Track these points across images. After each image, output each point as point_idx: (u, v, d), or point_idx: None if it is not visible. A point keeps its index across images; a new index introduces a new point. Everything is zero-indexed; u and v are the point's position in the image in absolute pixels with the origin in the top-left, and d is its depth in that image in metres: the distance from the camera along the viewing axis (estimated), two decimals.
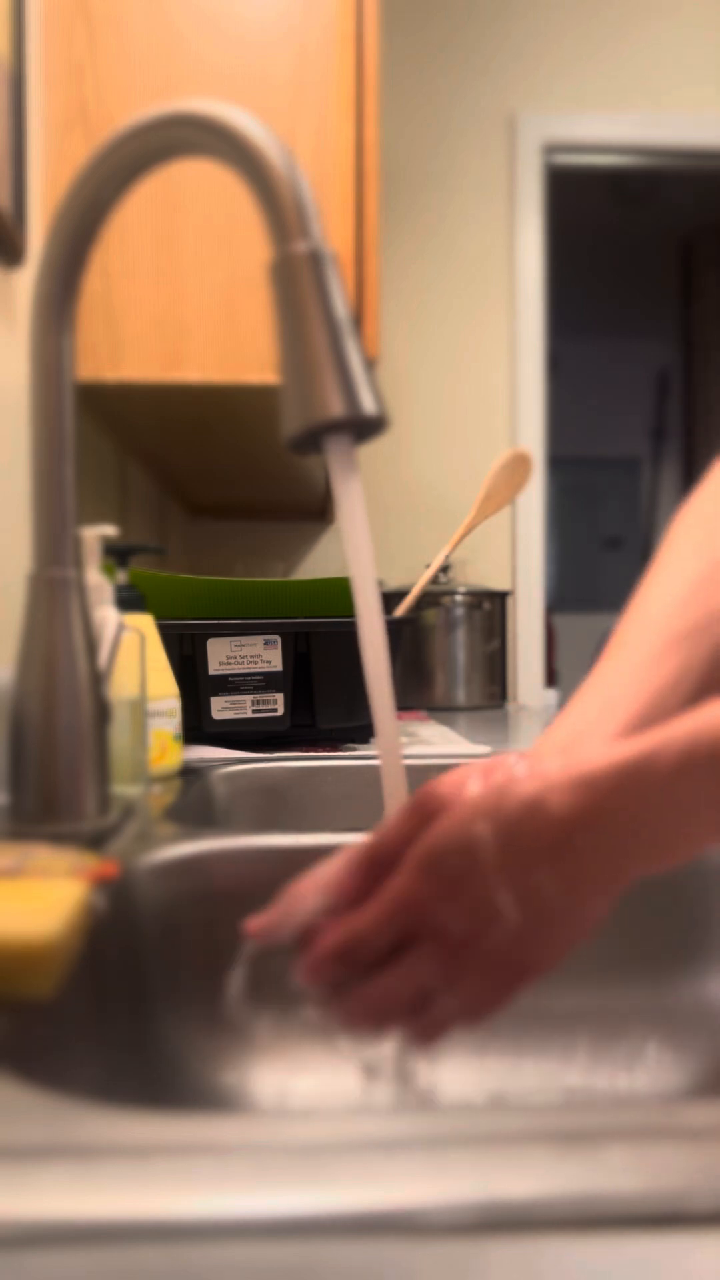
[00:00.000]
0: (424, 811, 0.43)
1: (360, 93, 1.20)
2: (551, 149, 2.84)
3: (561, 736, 0.50)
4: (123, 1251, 0.22)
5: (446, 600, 1.96)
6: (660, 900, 0.63)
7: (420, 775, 0.94)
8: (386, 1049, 0.45)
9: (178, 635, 1.08)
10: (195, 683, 1.08)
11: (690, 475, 4.81)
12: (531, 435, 2.83)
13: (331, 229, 1.20)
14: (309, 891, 0.45)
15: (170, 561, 2.37)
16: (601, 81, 2.83)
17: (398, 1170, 0.25)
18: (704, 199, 4.22)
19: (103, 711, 0.68)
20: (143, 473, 1.91)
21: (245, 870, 0.62)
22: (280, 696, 1.11)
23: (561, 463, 4.73)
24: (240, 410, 1.35)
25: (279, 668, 1.10)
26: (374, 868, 0.44)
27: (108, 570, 0.97)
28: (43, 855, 0.49)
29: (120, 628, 0.74)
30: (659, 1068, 0.59)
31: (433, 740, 1.23)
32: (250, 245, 1.19)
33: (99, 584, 0.78)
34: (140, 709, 0.80)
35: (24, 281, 1.07)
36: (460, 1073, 0.59)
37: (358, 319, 1.15)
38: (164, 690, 0.90)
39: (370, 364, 0.50)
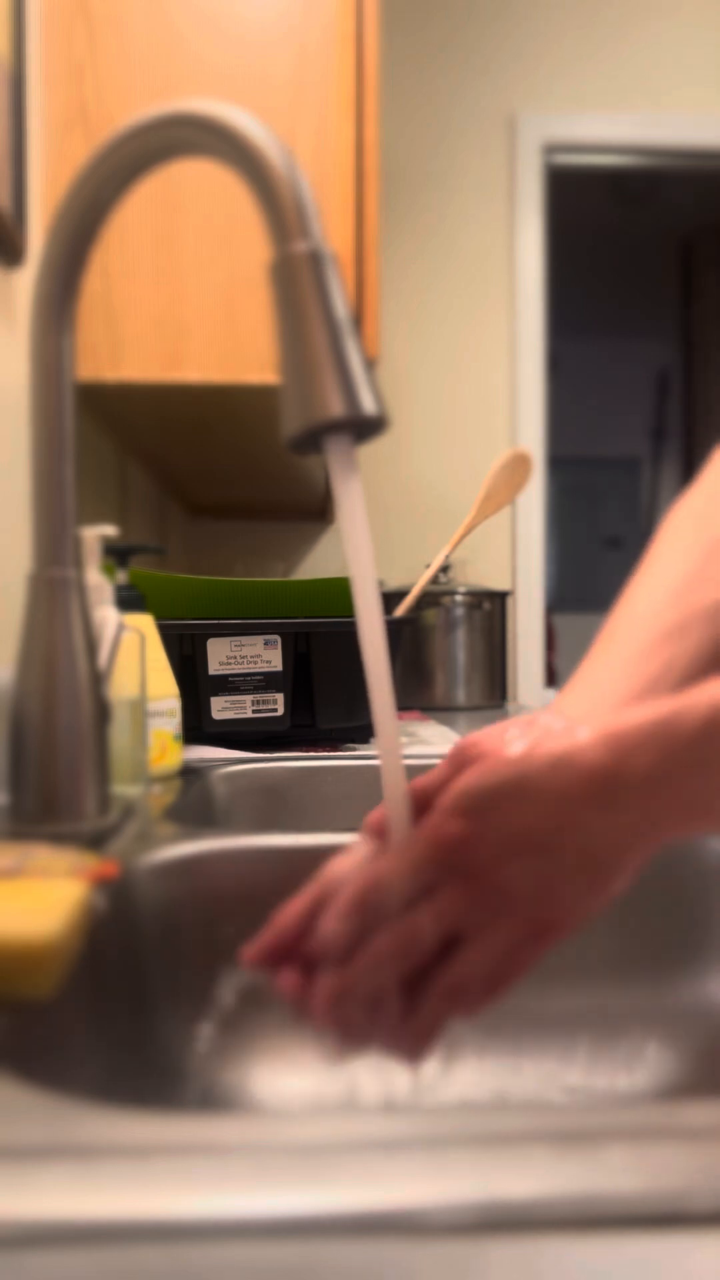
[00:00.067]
0: (461, 759, 0.44)
1: (360, 93, 1.20)
2: (551, 149, 2.84)
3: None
4: (123, 1251, 0.22)
5: (446, 600, 1.96)
6: (660, 900, 0.63)
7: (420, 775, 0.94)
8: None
9: (178, 635, 1.08)
10: (195, 683, 1.08)
11: (690, 475, 4.81)
12: (531, 435, 2.83)
13: (331, 229, 1.20)
14: (298, 911, 0.45)
15: (170, 561, 2.37)
16: (601, 81, 2.83)
17: (398, 1170, 0.25)
18: (704, 199, 4.22)
19: (103, 711, 0.68)
20: (143, 473, 1.91)
21: (245, 870, 0.62)
22: (280, 696, 1.11)
23: (561, 463, 4.73)
24: (240, 410, 1.35)
25: (279, 668, 1.10)
26: (416, 811, 0.45)
27: (108, 570, 0.97)
28: (43, 855, 0.49)
29: (120, 628, 0.74)
30: (659, 1068, 0.59)
31: (433, 740, 1.23)
32: (250, 245, 1.19)
33: (99, 584, 0.78)
34: (140, 709, 0.80)
35: (24, 281, 1.07)
36: (460, 1073, 0.59)
37: (358, 319, 1.15)
38: (164, 690, 0.90)
39: (370, 364, 0.50)
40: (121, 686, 0.78)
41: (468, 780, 0.43)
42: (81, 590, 0.67)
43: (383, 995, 0.43)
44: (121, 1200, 0.24)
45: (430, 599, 1.95)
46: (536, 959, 0.44)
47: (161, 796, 0.81)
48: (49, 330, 0.65)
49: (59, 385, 0.66)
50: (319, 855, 0.53)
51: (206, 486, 2.17)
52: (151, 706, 0.88)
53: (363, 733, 1.18)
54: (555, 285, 3.42)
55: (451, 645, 1.96)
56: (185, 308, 1.18)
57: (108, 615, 0.76)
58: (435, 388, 2.83)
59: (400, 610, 1.27)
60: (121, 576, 0.97)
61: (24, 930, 0.38)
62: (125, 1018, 0.54)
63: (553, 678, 3.28)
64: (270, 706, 1.10)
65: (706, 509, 0.59)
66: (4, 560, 0.95)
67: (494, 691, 1.99)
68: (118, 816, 0.69)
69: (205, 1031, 0.59)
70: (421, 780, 0.46)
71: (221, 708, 1.09)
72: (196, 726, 1.09)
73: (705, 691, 0.41)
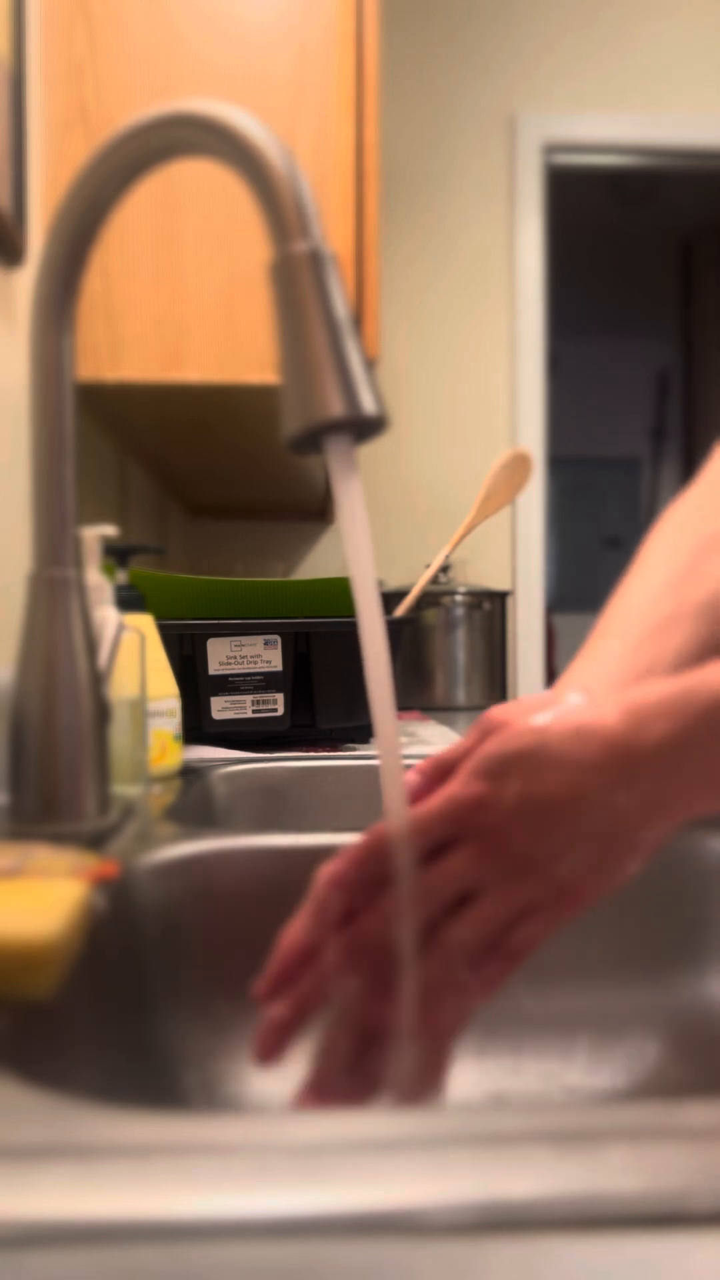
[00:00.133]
0: (484, 728, 0.46)
1: (360, 93, 1.20)
2: (551, 149, 2.84)
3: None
4: (123, 1251, 0.22)
5: (446, 600, 1.96)
6: (660, 900, 0.63)
7: None
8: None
9: (178, 635, 1.08)
10: (195, 683, 1.08)
11: (690, 475, 4.81)
12: (531, 435, 2.83)
13: (331, 229, 1.20)
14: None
15: (170, 561, 2.37)
16: (601, 81, 2.83)
17: (398, 1170, 0.25)
18: (704, 199, 4.22)
19: (103, 711, 0.68)
20: (143, 473, 1.91)
21: (245, 870, 0.62)
22: (280, 696, 1.11)
23: (561, 463, 4.73)
24: (240, 410, 1.35)
25: (279, 668, 1.10)
26: (439, 777, 0.47)
27: (108, 570, 0.97)
28: (43, 855, 0.49)
29: (120, 628, 0.74)
30: (659, 1068, 0.59)
31: (433, 740, 1.23)
32: (250, 245, 1.19)
33: (99, 584, 0.78)
34: (140, 709, 0.80)
35: (24, 281, 1.07)
36: (460, 1073, 0.59)
37: (358, 319, 1.15)
38: (164, 690, 0.90)
39: (370, 364, 0.50)
40: (121, 686, 0.78)
41: (489, 746, 0.44)
42: (81, 590, 0.67)
43: (391, 963, 0.43)
44: (122, 1200, 0.24)
45: (430, 599, 1.95)
46: (549, 930, 0.44)
47: (161, 796, 0.81)
48: (49, 330, 0.65)
49: (59, 385, 0.66)
50: (319, 855, 0.53)
51: (206, 486, 2.17)
52: (151, 706, 0.88)
53: (363, 733, 1.18)
54: (555, 285, 3.42)
55: (451, 645, 1.96)
56: (185, 308, 1.18)
57: (108, 615, 0.76)
58: (435, 388, 2.83)
59: (400, 610, 1.27)
60: (121, 576, 0.97)
61: (24, 930, 0.38)
62: (125, 1018, 0.54)
63: (552, 678, 3.28)
64: (270, 706, 1.10)
65: (699, 507, 0.59)
66: (4, 560, 0.95)
67: (494, 691, 1.99)
68: (118, 816, 0.69)
69: (205, 1031, 0.59)
70: (449, 749, 0.47)
71: (221, 708, 1.09)
72: (196, 726, 1.09)
73: (718, 669, 0.42)
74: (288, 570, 2.79)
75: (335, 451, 0.46)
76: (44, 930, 0.38)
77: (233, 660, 1.09)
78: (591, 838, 0.42)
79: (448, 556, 1.36)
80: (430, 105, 2.80)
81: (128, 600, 0.90)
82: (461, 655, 1.95)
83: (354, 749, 1.13)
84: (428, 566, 1.66)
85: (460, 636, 1.96)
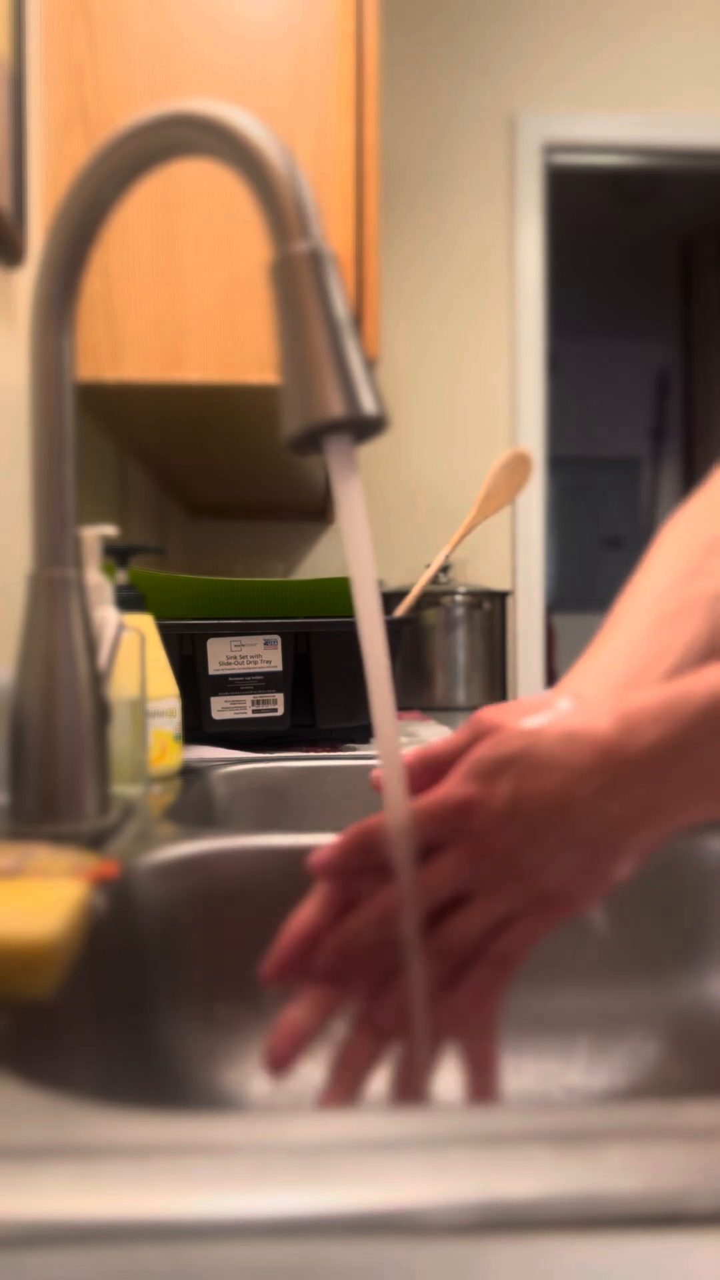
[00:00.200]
0: (475, 729, 0.46)
1: (360, 93, 1.20)
2: (551, 149, 2.84)
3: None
4: (123, 1251, 0.22)
5: (446, 600, 1.96)
6: (660, 900, 0.63)
7: None
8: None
9: (178, 635, 1.08)
10: (195, 683, 1.08)
11: (690, 475, 4.81)
12: (531, 435, 2.83)
13: (331, 229, 1.20)
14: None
15: (170, 561, 2.37)
16: (601, 81, 2.83)
17: (397, 1170, 0.25)
18: (704, 199, 4.23)
19: (103, 711, 0.68)
20: (143, 473, 1.91)
21: (245, 870, 0.62)
22: (280, 696, 1.11)
23: (561, 463, 4.73)
24: (240, 410, 1.35)
25: (279, 668, 1.10)
26: (431, 773, 0.47)
27: (108, 570, 0.97)
28: (43, 855, 0.49)
29: (120, 628, 0.74)
30: (659, 1068, 0.59)
31: (432, 740, 1.23)
32: (250, 245, 1.19)
33: (99, 584, 0.78)
34: (140, 709, 0.80)
35: (24, 281, 1.07)
36: (460, 1073, 0.59)
37: (358, 319, 1.15)
38: (164, 690, 0.90)
39: (370, 364, 0.50)
40: (121, 686, 0.78)
41: (481, 749, 0.44)
42: (81, 590, 0.67)
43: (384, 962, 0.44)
44: (122, 1200, 0.24)
45: (430, 599, 1.95)
46: (539, 934, 0.44)
47: (161, 796, 0.81)
48: (49, 330, 0.65)
49: (59, 385, 0.66)
50: None
51: (206, 486, 2.17)
52: (151, 706, 0.88)
53: (363, 733, 1.18)
54: (555, 285, 3.42)
55: (451, 645, 1.96)
56: (185, 308, 1.18)
57: (108, 615, 0.76)
58: (435, 388, 2.83)
59: (400, 610, 1.27)
60: (121, 576, 0.97)
61: (24, 930, 0.38)
62: (125, 1018, 0.54)
63: (553, 678, 3.28)
64: (270, 706, 1.10)
65: (707, 510, 0.60)
66: (4, 560, 0.95)
67: (494, 691, 1.99)
68: (118, 816, 0.69)
69: (205, 1031, 0.59)
70: (438, 745, 0.47)
71: (221, 708, 1.09)
72: (196, 726, 1.09)
73: (711, 672, 0.42)
74: (288, 570, 2.79)
75: (335, 451, 0.46)
76: (44, 930, 0.38)
77: (233, 660, 1.09)
78: (582, 842, 0.42)
79: (448, 556, 1.36)
80: (430, 105, 2.80)
81: (128, 600, 0.90)
82: (461, 655, 1.95)
83: (354, 749, 1.13)
84: (428, 566, 1.66)
85: (460, 636, 1.96)
